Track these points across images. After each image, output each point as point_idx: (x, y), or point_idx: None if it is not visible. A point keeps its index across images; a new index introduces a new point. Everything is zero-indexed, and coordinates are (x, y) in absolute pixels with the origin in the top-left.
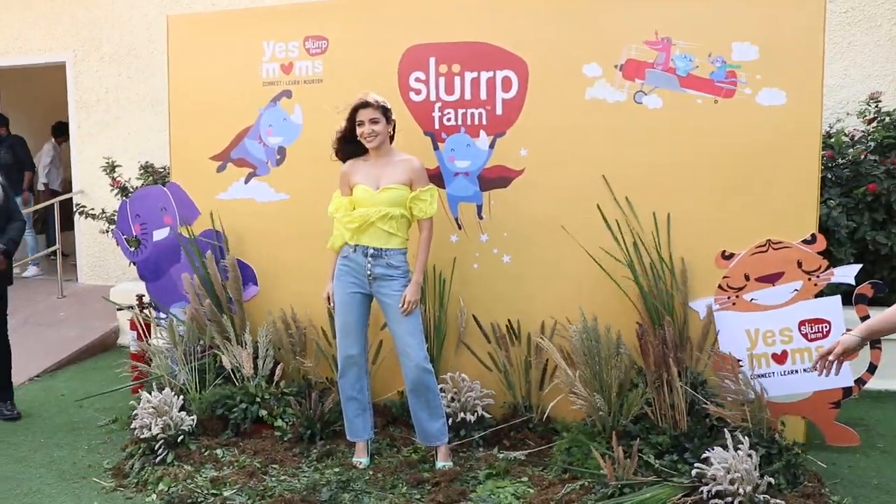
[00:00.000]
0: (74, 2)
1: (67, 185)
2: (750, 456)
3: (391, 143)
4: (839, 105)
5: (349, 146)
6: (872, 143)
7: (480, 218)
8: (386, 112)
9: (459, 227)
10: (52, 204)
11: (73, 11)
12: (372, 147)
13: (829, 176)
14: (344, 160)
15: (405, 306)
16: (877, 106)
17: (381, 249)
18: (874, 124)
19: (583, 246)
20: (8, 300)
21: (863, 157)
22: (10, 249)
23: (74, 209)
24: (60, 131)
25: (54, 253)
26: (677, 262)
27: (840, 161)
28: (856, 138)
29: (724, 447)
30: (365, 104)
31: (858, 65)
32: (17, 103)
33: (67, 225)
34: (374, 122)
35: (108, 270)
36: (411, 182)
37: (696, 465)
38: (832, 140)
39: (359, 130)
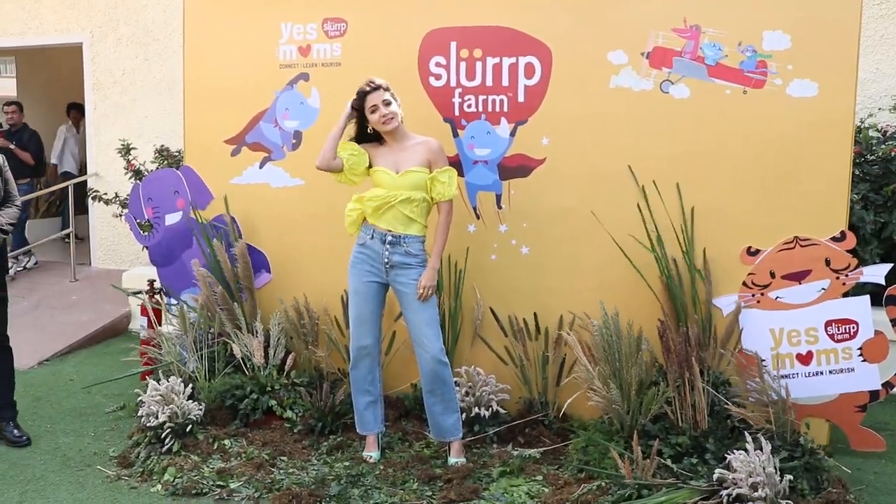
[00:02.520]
0: None
1: (82, 168)
2: (770, 459)
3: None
4: (870, 100)
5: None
6: None
7: (500, 207)
8: (393, 94)
9: (478, 217)
10: (67, 186)
11: None
12: (390, 129)
13: (857, 172)
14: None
15: (421, 291)
16: None
17: (400, 236)
18: None
19: (612, 237)
20: (8, 295)
21: (893, 153)
22: (3, 229)
23: (88, 193)
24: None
25: (68, 236)
26: (701, 257)
27: (869, 157)
28: (887, 134)
29: (746, 450)
30: (374, 88)
31: (891, 58)
32: (33, 84)
33: (81, 208)
34: (387, 103)
35: (122, 255)
36: (430, 164)
37: (717, 469)
38: (860, 136)
39: (373, 118)
